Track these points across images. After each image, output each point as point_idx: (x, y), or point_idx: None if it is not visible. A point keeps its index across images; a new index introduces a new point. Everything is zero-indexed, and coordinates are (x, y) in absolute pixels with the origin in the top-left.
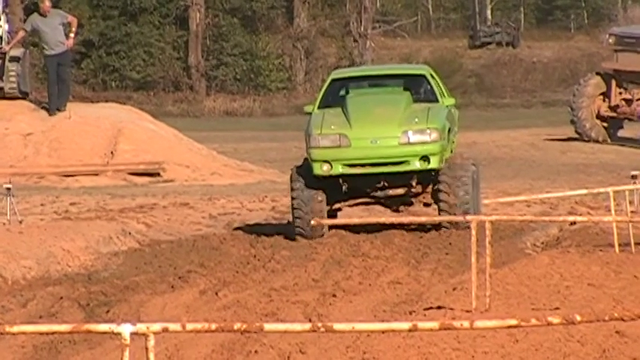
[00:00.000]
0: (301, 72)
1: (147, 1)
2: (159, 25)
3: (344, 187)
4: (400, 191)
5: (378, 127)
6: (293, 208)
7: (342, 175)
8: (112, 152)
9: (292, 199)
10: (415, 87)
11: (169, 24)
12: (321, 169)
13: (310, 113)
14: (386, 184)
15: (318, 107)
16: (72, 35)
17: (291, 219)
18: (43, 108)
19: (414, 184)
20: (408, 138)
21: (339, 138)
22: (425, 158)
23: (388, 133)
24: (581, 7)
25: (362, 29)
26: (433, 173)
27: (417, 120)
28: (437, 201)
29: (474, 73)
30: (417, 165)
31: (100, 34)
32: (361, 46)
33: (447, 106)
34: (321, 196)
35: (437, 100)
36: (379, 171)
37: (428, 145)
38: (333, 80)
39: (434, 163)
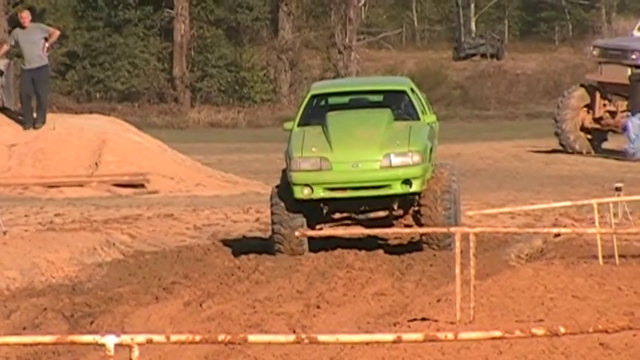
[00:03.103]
0: (286, 83)
1: (131, 12)
2: (143, 37)
3: (324, 210)
4: (381, 214)
5: (359, 150)
6: (273, 232)
7: (322, 199)
8: (96, 163)
9: (272, 221)
10: (396, 103)
11: (154, 35)
12: (301, 193)
13: (290, 130)
14: (367, 207)
15: (298, 124)
16: (47, 45)
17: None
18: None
19: (395, 207)
20: (390, 161)
21: (319, 161)
22: (407, 182)
23: (369, 156)
24: (566, 20)
25: (347, 41)
26: (415, 196)
27: (398, 142)
28: (418, 223)
29: (458, 84)
30: (398, 189)
31: (85, 45)
32: (346, 57)
33: (428, 124)
34: (301, 220)
35: (418, 118)
36: (360, 195)
37: (410, 169)
38: (313, 96)
39: (416, 187)
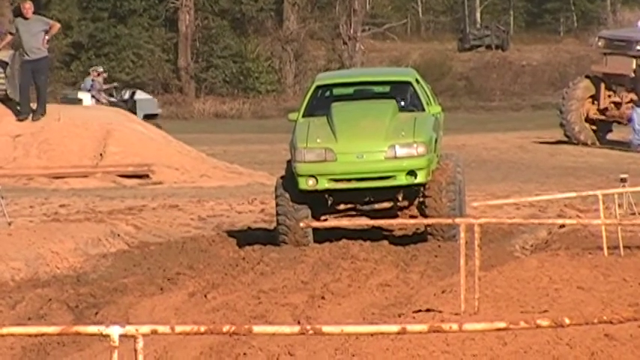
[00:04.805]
0: (291, 74)
1: (136, 3)
2: (148, 27)
3: (329, 201)
4: (386, 205)
5: (364, 141)
6: (278, 223)
7: (327, 190)
8: (101, 154)
9: (277, 212)
10: (401, 94)
11: (159, 26)
12: (306, 184)
13: (295, 121)
14: (372, 198)
15: (303, 115)
16: (47, 37)
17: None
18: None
19: (400, 198)
20: (395, 152)
21: (324, 152)
22: (412, 173)
23: (374, 147)
24: (571, 11)
25: (351, 32)
26: (419, 187)
27: (403, 133)
28: (423, 214)
29: (463, 75)
30: (403, 180)
31: (90, 35)
32: (351, 48)
33: (433, 115)
34: (306, 211)
35: (423, 109)
36: (365, 186)
37: (415, 160)
38: (318, 87)
39: (421, 178)
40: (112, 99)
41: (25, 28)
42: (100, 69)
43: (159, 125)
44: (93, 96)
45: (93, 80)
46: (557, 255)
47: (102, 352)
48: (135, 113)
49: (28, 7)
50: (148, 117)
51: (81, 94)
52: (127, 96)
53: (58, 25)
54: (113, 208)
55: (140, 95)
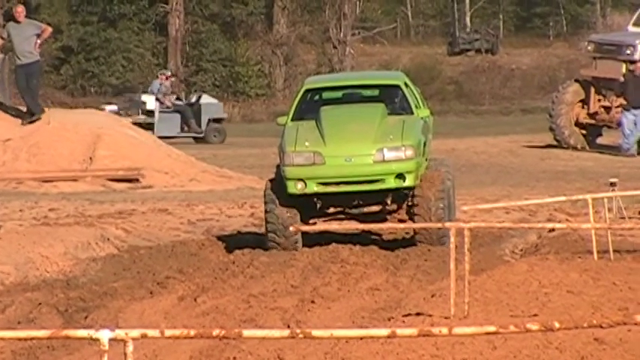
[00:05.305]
0: (280, 78)
1: (126, 7)
2: (138, 31)
3: (318, 205)
4: (375, 209)
5: (352, 145)
6: (267, 224)
7: (316, 194)
8: (90, 158)
9: (266, 216)
10: (390, 97)
11: (148, 30)
12: (295, 188)
13: (284, 125)
14: (360, 202)
15: (292, 119)
16: (38, 41)
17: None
18: (21, 113)
19: (388, 201)
20: (383, 156)
21: (313, 156)
22: (400, 176)
23: (363, 150)
24: (560, 15)
25: (341, 36)
26: (408, 190)
27: (391, 137)
28: (412, 218)
29: (452, 79)
30: (392, 183)
31: (79, 39)
32: (340, 52)
33: (422, 118)
34: (295, 214)
35: (411, 112)
36: (354, 189)
37: (403, 163)
38: (307, 90)
39: (409, 181)
40: (179, 102)
41: (17, 32)
42: (169, 72)
43: (219, 130)
44: (157, 99)
45: (160, 84)
46: (546, 259)
47: (92, 356)
48: (200, 117)
49: (20, 11)
50: (214, 121)
51: (145, 97)
52: (193, 99)
53: (50, 29)
54: (103, 212)
55: (206, 99)
